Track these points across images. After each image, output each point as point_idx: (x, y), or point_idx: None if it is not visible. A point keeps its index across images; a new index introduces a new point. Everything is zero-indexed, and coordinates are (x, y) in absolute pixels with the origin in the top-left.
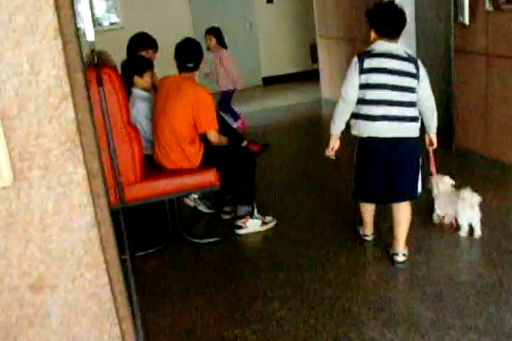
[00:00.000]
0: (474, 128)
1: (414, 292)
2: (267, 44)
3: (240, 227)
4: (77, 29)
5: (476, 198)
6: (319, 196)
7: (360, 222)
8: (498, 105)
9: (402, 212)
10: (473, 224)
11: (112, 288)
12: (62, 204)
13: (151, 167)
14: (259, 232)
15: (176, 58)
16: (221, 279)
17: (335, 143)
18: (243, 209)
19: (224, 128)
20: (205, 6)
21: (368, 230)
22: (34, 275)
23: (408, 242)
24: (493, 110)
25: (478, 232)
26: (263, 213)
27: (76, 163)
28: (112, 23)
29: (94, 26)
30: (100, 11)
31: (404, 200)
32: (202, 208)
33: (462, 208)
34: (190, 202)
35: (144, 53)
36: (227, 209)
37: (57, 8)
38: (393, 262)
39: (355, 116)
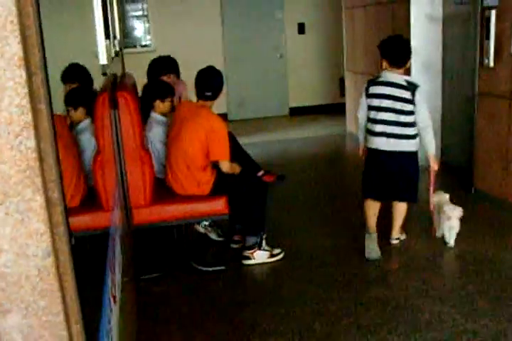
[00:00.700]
0: (494, 172)
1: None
2: (296, 74)
3: (247, 258)
4: (45, 59)
5: (456, 212)
6: (331, 231)
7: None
8: None
9: (398, 210)
10: (450, 234)
11: (67, 317)
12: (19, 230)
13: (163, 191)
14: (266, 264)
15: (195, 85)
16: (222, 310)
17: (361, 149)
18: (251, 240)
19: (240, 155)
20: (238, 34)
21: (371, 229)
22: None
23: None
24: None
25: (451, 243)
26: (272, 245)
27: (35, 191)
28: (144, 46)
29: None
30: (140, 32)
31: (404, 200)
32: (212, 236)
33: (442, 219)
34: (200, 228)
35: (165, 78)
36: (236, 238)
37: (24, 37)
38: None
39: (367, 131)
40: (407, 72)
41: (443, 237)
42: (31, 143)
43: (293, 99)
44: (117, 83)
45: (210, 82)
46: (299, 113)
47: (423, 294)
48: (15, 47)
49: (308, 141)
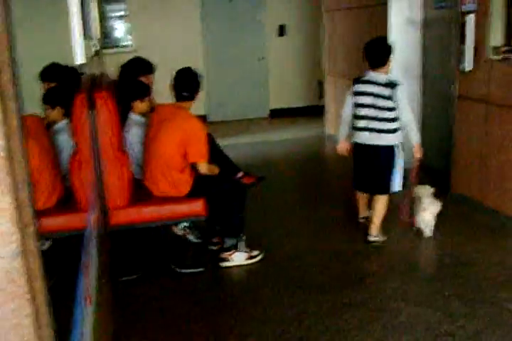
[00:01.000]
0: (472, 175)
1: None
2: (277, 76)
3: (225, 260)
4: (13, 56)
5: (433, 207)
6: (310, 233)
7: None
8: (496, 154)
9: (377, 203)
10: (426, 226)
11: (36, 319)
12: None
13: (141, 192)
14: (244, 266)
15: (173, 86)
16: (200, 312)
17: (341, 145)
18: (230, 242)
19: (218, 157)
20: (218, 36)
21: (361, 214)
22: None
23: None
24: (491, 158)
25: (428, 233)
26: (251, 246)
27: (4, 191)
28: (124, 46)
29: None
30: (120, 32)
31: (374, 193)
32: (191, 237)
33: (419, 211)
34: (178, 230)
35: (143, 79)
36: (215, 240)
37: None
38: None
39: (353, 127)
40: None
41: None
42: (0, 142)
43: (273, 101)
44: (95, 83)
45: (186, 82)
46: (278, 115)
47: (400, 297)
48: None
49: (288, 143)
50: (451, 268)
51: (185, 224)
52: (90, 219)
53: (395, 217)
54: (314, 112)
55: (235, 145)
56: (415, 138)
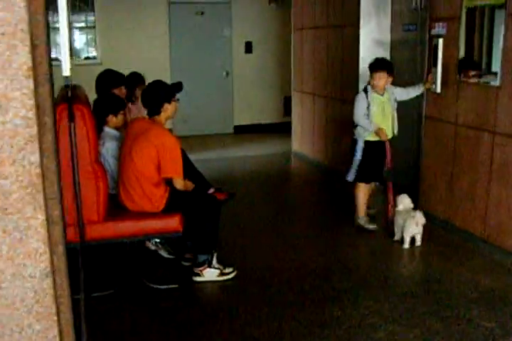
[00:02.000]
0: (440, 194)
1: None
2: (242, 93)
3: (197, 275)
4: (51, 70)
5: (422, 220)
6: (282, 248)
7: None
8: (464, 174)
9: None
10: (416, 238)
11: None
12: (17, 249)
13: (116, 207)
14: (218, 282)
15: (142, 102)
16: (176, 328)
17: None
18: (202, 257)
19: (191, 172)
20: (185, 50)
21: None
22: None
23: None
24: (458, 178)
25: (418, 243)
26: (224, 263)
27: (36, 208)
28: (88, 58)
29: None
30: (80, 43)
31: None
32: (162, 253)
33: (409, 224)
34: (151, 245)
35: (116, 91)
36: (187, 255)
37: (33, 47)
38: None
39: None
40: None
41: (401, 240)
42: (35, 158)
43: (238, 117)
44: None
45: (151, 96)
46: (243, 131)
47: (376, 313)
48: (24, 57)
49: (254, 160)
50: (424, 285)
51: (156, 239)
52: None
53: (372, 234)
54: (279, 129)
55: (200, 161)
56: (368, 129)
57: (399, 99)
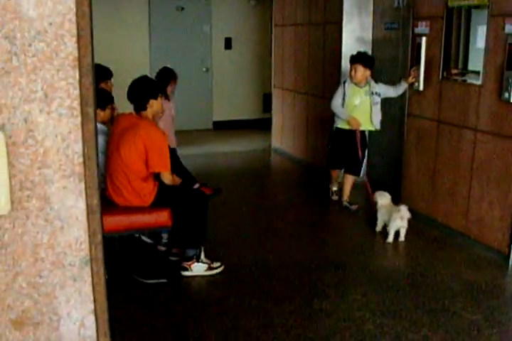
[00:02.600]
0: (422, 191)
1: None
2: (221, 89)
3: (185, 269)
4: (94, 61)
5: (407, 214)
6: (268, 243)
7: None
8: (445, 171)
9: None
10: (401, 232)
11: (97, 330)
12: (58, 238)
13: (104, 202)
14: (207, 277)
15: (127, 98)
16: (166, 322)
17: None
18: (191, 252)
19: (177, 167)
20: (165, 46)
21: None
22: (18, 311)
23: None
24: (440, 175)
25: (402, 237)
26: (212, 257)
27: (77, 198)
28: None
29: None
30: None
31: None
32: (145, 238)
33: (394, 218)
34: (145, 238)
35: (103, 85)
36: (175, 250)
37: (79, 37)
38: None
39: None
40: None
41: (385, 234)
42: (78, 147)
43: (217, 113)
44: None
45: (136, 91)
46: (222, 127)
47: (364, 307)
48: (71, 47)
49: (234, 156)
50: (409, 279)
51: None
52: None
53: (356, 229)
54: (258, 125)
55: (180, 157)
56: (342, 117)
57: (384, 95)
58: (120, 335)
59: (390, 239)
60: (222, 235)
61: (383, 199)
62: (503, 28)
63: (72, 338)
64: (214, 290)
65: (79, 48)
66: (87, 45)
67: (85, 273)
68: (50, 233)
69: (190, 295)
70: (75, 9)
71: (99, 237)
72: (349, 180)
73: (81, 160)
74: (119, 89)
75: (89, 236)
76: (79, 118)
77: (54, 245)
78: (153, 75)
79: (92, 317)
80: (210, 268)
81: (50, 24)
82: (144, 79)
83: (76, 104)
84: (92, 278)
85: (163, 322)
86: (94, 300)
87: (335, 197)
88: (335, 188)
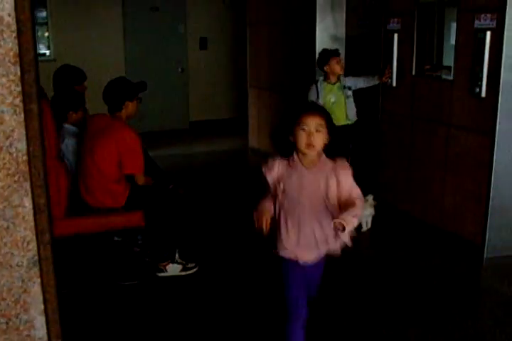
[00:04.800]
0: (397, 185)
1: None
2: (197, 89)
3: (161, 270)
4: (37, 57)
5: (373, 202)
6: (243, 242)
7: None
8: (419, 165)
9: None
10: (369, 220)
11: (48, 332)
12: (4, 238)
13: (77, 204)
14: (181, 277)
15: (103, 98)
16: (142, 325)
17: None
18: (165, 253)
19: (151, 168)
20: (140, 47)
21: None
22: None
23: None
24: (415, 170)
25: (369, 225)
26: (186, 258)
27: (23, 197)
28: (40, 54)
29: None
30: (39, 40)
31: None
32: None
33: (365, 208)
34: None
35: (77, 87)
36: (149, 251)
37: (20, 33)
38: None
39: None
40: None
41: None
42: (22, 145)
43: (193, 113)
44: None
45: (111, 92)
46: (199, 127)
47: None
48: (10, 43)
49: (211, 156)
50: (386, 275)
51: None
52: None
53: None
54: (234, 125)
55: (156, 158)
56: None
57: (355, 87)
58: (90, 339)
59: (365, 227)
60: (197, 235)
61: None
62: (473, 24)
63: (13, 339)
64: (188, 291)
65: (20, 44)
66: (29, 40)
67: (34, 274)
68: None
69: (164, 297)
70: (13, 3)
71: (47, 236)
72: None
73: (25, 158)
74: (93, 90)
75: (37, 235)
76: (22, 116)
77: (0, 246)
78: (128, 76)
79: (43, 319)
80: (185, 269)
81: None
82: (120, 80)
83: (18, 101)
84: (42, 278)
85: (135, 325)
86: (45, 301)
87: None
88: None
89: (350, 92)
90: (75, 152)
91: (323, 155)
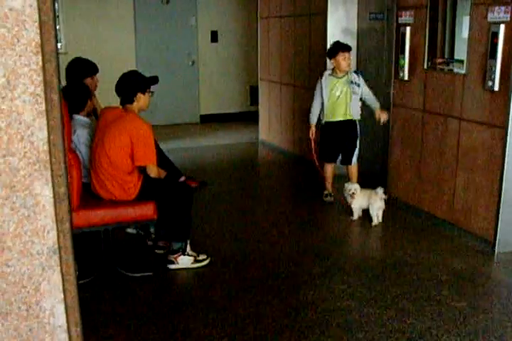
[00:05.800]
0: (408, 180)
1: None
2: (208, 82)
3: (172, 262)
4: (57, 47)
5: (384, 195)
6: (254, 235)
7: None
8: (431, 160)
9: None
10: (378, 214)
11: (67, 319)
12: (25, 227)
13: (88, 196)
14: (192, 269)
15: (115, 91)
16: (153, 315)
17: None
18: (177, 245)
19: (162, 160)
20: (151, 40)
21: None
22: None
23: None
24: (426, 165)
25: (380, 219)
26: (198, 250)
27: (43, 185)
28: None
29: None
30: None
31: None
32: (129, 230)
33: (375, 200)
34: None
35: (89, 80)
36: (161, 243)
37: (41, 23)
38: None
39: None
40: None
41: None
42: (43, 134)
43: (204, 106)
44: None
45: (123, 84)
46: (209, 120)
47: (350, 296)
48: (33, 33)
49: (221, 149)
50: (395, 268)
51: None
52: None
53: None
54: (245, 118)
55: (168, 151)
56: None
57: (363, 92)
58: (105, 329)
59: (376, 221)
60: (208, 227)
61: (355, 187)
62: (486, 17)
63: (42, 328)
64: (199, 283)
65: (41, 34)
66: (50, 30)
67: (54, 262)
68: (16, 222)
69: (176, 288)
70: None
71: (67, 225)
72: (352, 170)
73: (46, 147)
74: (105, 83)
75: (57, 224)
76: (43, 105)
77: (21, 234)
78: (139, 69)
79: (62, 307)
80: (196, 261)
81: (11, 9)
82: (133, 73)
83: (40, 90)
84: (61, 266)
85: (149, 316)
86: (64, 289)
87: (330, 199)
88: (326, 192)
89: (357, 89)
90: (86, 143)
91: None
